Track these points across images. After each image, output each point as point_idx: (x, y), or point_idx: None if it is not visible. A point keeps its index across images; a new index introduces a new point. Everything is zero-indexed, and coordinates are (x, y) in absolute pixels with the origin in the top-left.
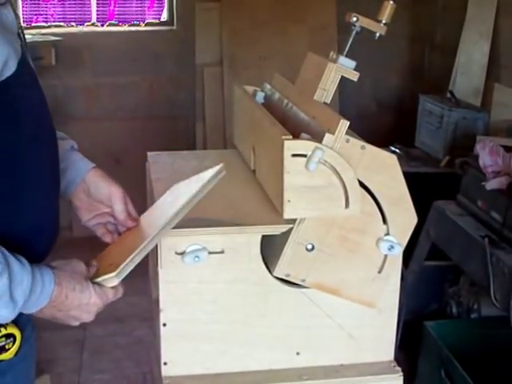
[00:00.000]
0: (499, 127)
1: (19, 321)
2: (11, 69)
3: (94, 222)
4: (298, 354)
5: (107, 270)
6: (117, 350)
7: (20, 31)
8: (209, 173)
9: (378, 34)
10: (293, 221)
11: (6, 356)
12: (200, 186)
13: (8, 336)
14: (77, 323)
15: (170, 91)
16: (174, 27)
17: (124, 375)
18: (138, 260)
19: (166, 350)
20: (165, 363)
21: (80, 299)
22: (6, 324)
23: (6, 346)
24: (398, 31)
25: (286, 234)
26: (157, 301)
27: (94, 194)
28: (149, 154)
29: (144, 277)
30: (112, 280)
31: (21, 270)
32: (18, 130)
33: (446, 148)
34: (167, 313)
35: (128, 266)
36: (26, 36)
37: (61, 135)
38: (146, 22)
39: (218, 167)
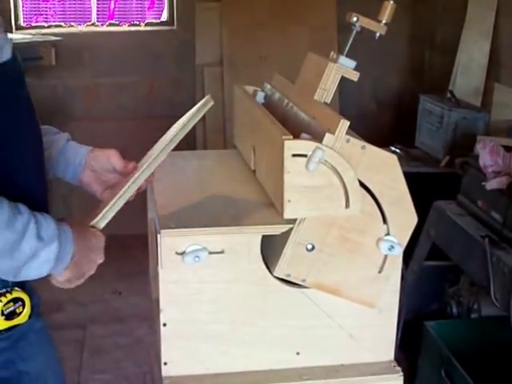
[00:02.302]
0: (499, 127)
1: (25, 287)
2: (7, 55)
3: (108, 193)
4: (298, 353)
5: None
6: (117, 350)
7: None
8: (197, 105)
9: (378, 34)
10: (293, 221)
11: (19, 320)
12: (188, 116)
13: (16, 300)
14: (95, 267)
15: (170, 91)
16: (174, 27)
17: (124, 375)
18: (121, 203)
19: (166, 350)
20: (165, 363)
21: (89, 237)
22: (12, 289)
23: (17, 310)
24: (398, 31)
25: (287, 234)
26: (157, 301)
27: (96, 166)
28: None
29: (144, 277)
30: (98, 224)
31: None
32: (10, 117)
33: (446, 148)
34: (167, 313)
35: (111, 210)
36: (26, 36)
37: (53, 130)
38: (146, 22)
39: (205, 98)
